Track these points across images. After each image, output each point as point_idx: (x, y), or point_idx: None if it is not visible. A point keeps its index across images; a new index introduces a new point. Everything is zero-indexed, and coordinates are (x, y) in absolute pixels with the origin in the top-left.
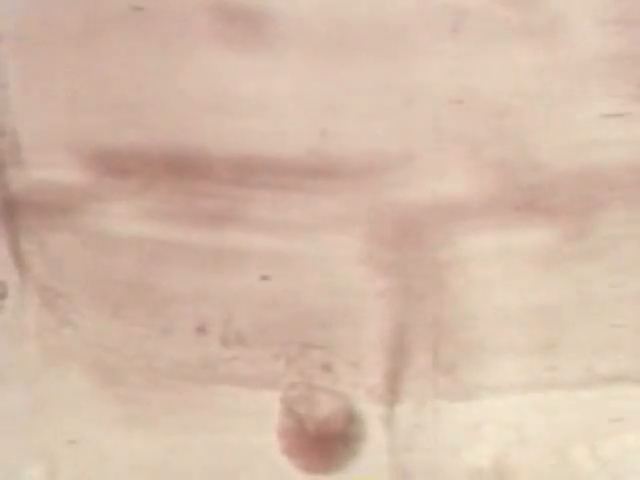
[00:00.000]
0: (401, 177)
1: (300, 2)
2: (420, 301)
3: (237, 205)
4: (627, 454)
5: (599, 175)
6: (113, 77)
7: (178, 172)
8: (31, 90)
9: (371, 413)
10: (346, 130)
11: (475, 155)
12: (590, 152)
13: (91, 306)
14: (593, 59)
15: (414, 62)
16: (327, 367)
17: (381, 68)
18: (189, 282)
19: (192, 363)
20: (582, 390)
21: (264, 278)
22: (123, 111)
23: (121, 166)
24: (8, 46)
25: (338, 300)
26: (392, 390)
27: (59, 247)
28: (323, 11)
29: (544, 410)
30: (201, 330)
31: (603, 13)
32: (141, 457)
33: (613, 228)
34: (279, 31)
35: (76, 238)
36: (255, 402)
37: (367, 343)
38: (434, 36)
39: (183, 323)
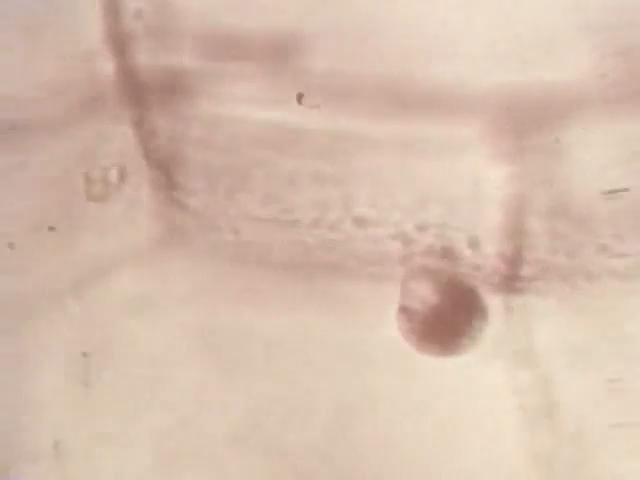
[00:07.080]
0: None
1: None
2: (539, 187)
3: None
4: None
5: None
6: None
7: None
8: None
9: (491, 296)
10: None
11: (599, 42)
12: None
13: (205, 189)
14: None
15: None
16: (446, 250)
17: None
18: (307, 167)
19: (309, 246)
20: None
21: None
22: None
23: (234, 50)
24: None
25: (458, 185)
26: (512, 273)
27: (175, 131)
28: None
29: None
30: (318, 213)
31: None
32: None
33: None
34: None
35: (191, 121)
36: (374, 284)
37: (487, 228)
38: None
39: (300, 207)
